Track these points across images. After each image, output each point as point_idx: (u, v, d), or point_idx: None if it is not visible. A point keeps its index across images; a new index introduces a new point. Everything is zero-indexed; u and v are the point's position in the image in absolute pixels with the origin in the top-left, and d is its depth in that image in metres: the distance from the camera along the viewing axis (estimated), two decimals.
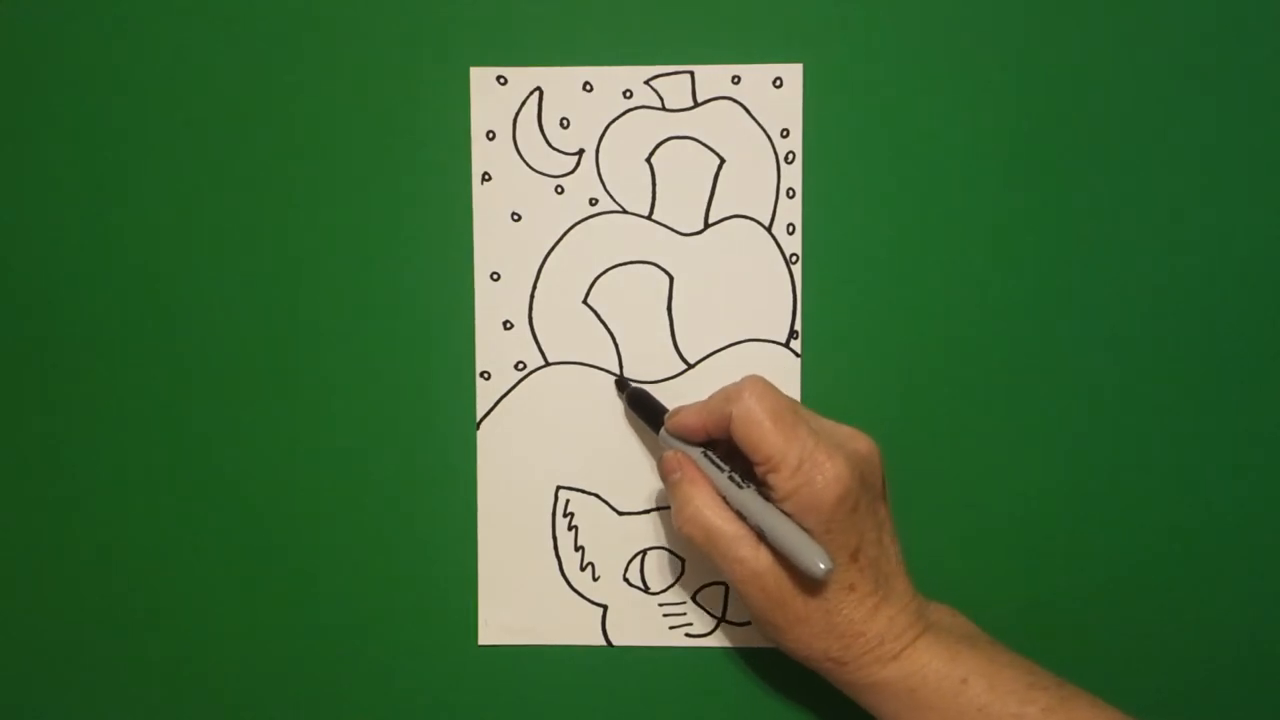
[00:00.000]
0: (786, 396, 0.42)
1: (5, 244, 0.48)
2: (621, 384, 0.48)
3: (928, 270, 0.48)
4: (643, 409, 0.47)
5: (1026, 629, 0.48)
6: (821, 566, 0.39)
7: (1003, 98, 0.47)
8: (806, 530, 0.40)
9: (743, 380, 0.42)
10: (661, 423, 0.45)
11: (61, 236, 0.48)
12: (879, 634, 0.41)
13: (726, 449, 0.43)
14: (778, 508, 0.41)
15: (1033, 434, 0.48)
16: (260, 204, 0.48)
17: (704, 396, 0.48)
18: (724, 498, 0.43)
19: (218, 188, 0.48)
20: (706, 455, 0.43)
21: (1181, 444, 0.48)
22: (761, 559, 0.41)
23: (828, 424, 0.43)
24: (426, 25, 0.47)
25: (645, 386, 0.48)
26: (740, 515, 0.42)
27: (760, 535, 0.41)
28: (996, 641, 0.43)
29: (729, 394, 0.42)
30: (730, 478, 0.42)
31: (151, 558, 0.49)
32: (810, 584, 0.41)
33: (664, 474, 0.45)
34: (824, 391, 0.48)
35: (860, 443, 0.43)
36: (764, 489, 0.42)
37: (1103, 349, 0.48)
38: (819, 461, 0.40)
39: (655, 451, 0.48)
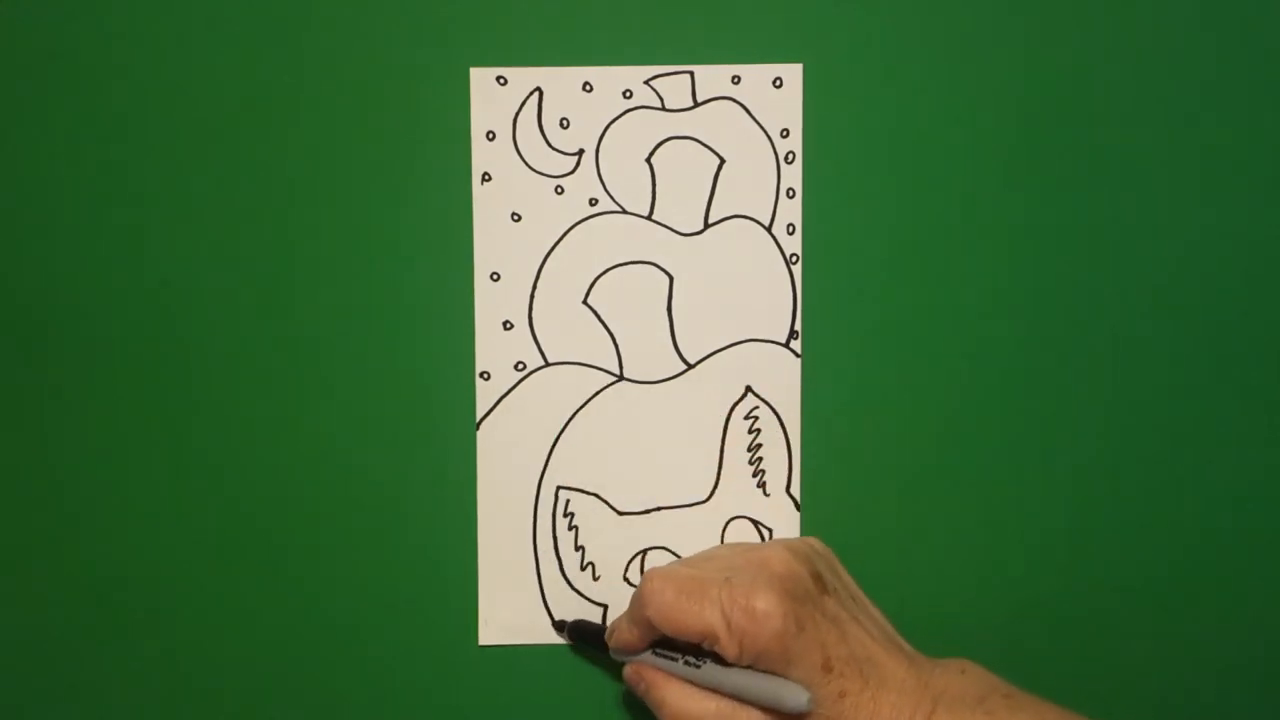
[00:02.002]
0: (684, 565, 0.44)
1: (4, 243, 0.48)
2: (559, 625, 0.48)
3: (928, 270, 0.48)
4: (587, 637, 0.48)
5: (1027, 632, 0.48)
6: (803, 700, 0.40)
7: (1003, 97, 0.47)
8: (774, 673, 0.41)
9: (642, 581, 0.43)
10: (605, 644, 0.46)
11: (61, 236, 0.48)
12: None
13: (670, 642, 0.44)
14: (738, 667, 0.42)
15: (1035, 432, 0.48)
16: (260, 204, 0.48)
17: (704, 396, 0.48)
18: (692, 682, 0.43)
19: (217, 188, 0.48)
20: (656, 654, 0.44)
21: (1186, 442, 0.48)
22: (754, 717, 0.42)
23: (739, 558, 0.44)
24: (426, 25, 0.47)
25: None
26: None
27: (738, 700, 0.42)
28: (1015, 694, 0.42)
29: (638, 601, 0.43)
30: (685, 663, 0.43)
31: (151, 558, 0.49)
32: (805, 716, 0.41)
33: (631, 688, 0.45)
34: (824, 391, 0.48)
35: (775, 563, 0.43)
36: (719, 659, 0.42)
37: (1106, 347, 0.48)
38: (742, 607, 0.41)
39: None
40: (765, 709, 0.42)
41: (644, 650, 0.45)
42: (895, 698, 0.41)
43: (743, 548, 0.46)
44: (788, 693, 0.41)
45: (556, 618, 0.49)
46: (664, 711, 0.43)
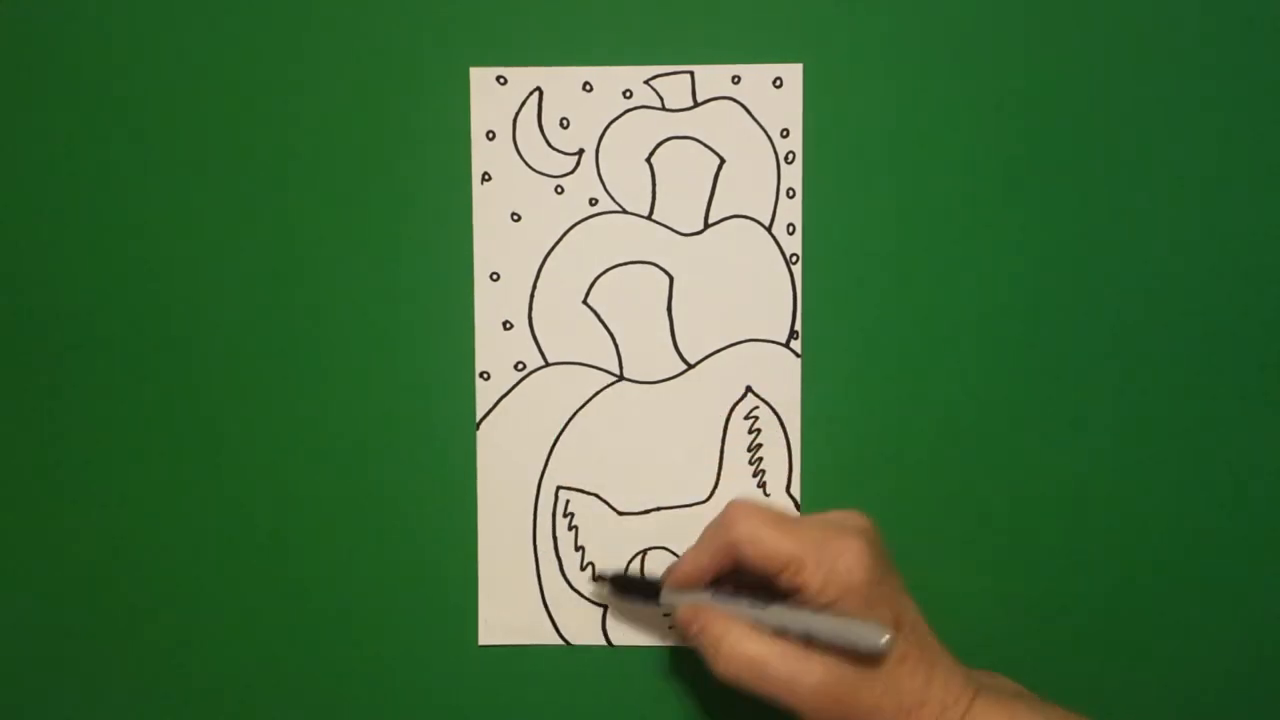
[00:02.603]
0: (772, 507, 0.43)
1: (6, 243, 0.48)
2: (600, 578, 0.48)
3: (928, 270, 0.48)
4: (633, 588, 0.46)
5: (1026, 630, 0.48)
6: (884, 639, 0.39)
7: (1003, 97, 0.47)
8: (849, 616, 0.40)
9: (728, 507, 0.43)
10: (656, 589, 0.45)
11: (62, 235, 0.48)
12: (940, 700, 0.40)
13: (732, 585, 0.43)
14: (810, 608, 0.41)
15: (1035, 432, 0.48)
16: (260, 204, 0.48)
17: (704, 396, 0.48)
18: (753, 626, 0.42)
19: (218, 188, 0.48)
20: (716, 596, 0.43)
21: (1188, 441, 0.48)
22: (815, 667, 0.40)
23: (817, 516, 0.44)
24: (426, 25, 0.47)
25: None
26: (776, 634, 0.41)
27: (806, 643, 0.41)
28: (1044, 700, 0.43)
29: (721, 524, 0.43)
30: (750, 604, 0.42)
31: (151, 558, 0.49)
32: (871, 672, 0.40)
33: (684, 630, 0.43)
34: (824, 391, 0.48)
35: (857, 519, 0.43)
36: (786, 599, 0.41)
37: (1104, 348, 0.48)
38: (835, 547, 0.41)
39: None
40: (833, 652, 0.40)
41: (703, 588, 0.43)
42: (945, 676, 0.41)
43: (823, 513, 0.44)
44: (869, 631, 0.39)
45: (598, 570, 0.48)
46: (721, 649, 0.41)
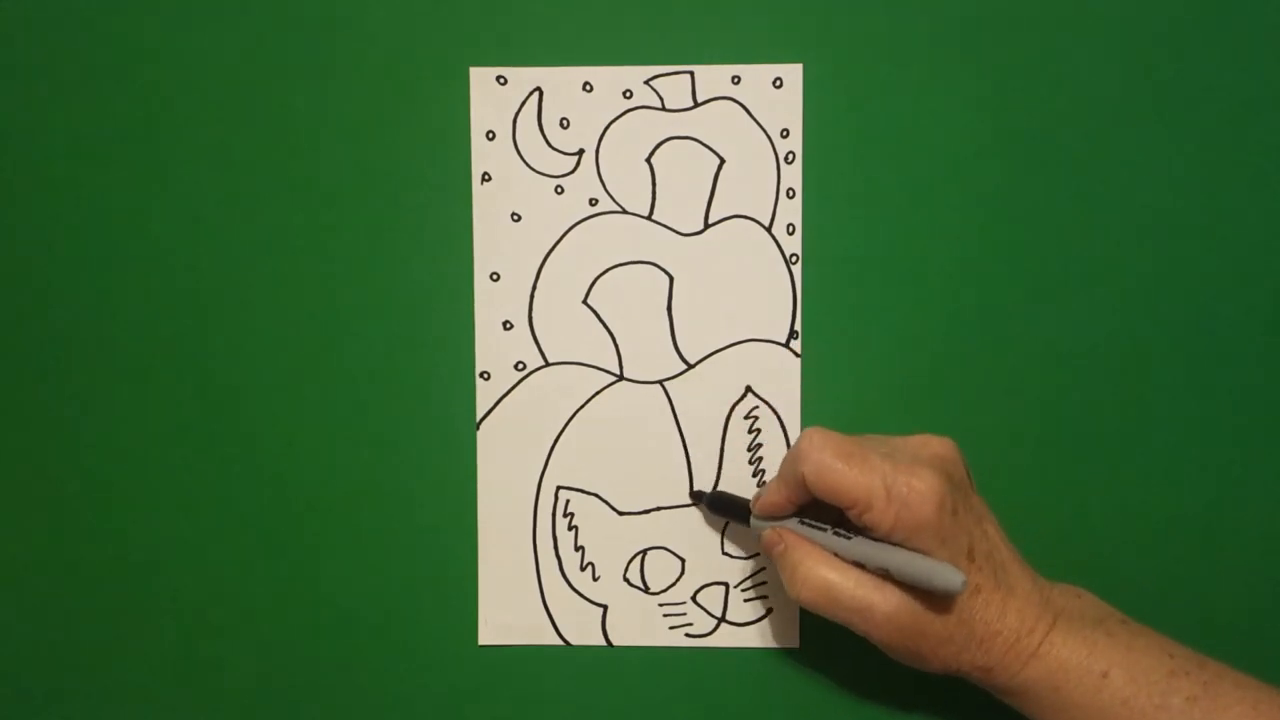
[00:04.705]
0: (847, 436, 0.42)
1: (12, 244, 0.48)
2: (697, 495, 0.48)
3: (927, 270, 0.48)
4: (726, 508, 0.47)
5: None
6: (958, 581, 0.39)
7: (1003, 98, 0.47)
8: (922, 553, 0.40)
9: (800, 438, 0.42)
10: (748, 512, 0.45)
11: (64, 237, 0.48)
12: (1013, 629, 0.41)
13: (817, 512, 0.43)
14: (888, 543, 0.41)
15: (1031, 433, 0.48)
16: (260, 205, 0.48)
17: (704, 396, 0.48)
18: (835, 555, 0.42)
19: (217, 189, 0.48)
20: (803, 522, 0.43)
21: (1191, 439, 0.48)
22: (890, 598, 0.41)
23: (895, 441, 0.43)
24: (426, 25, 0.47)
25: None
26: (854, 565, 0.42)
27: (883, 577, 0.41)
28: (1130, 621, 0.42)
29: (794, 457, 0.42)
30: (835, 533, 0.42)
31: (153, 557, 0.49)
32: (943, 604, 0.41)
33: (767, 550, 0.44)
34: (824, 391, 0.48)
35: (934, 446, 0.42)
36: (867, 533, 0.41)
37: (1102, 348, 0.48)
38: (904, 481, 0.40)
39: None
40: (908, 588, 0.41)
41: (788, 516, 0.44)
42: (1020, 605, 0.41)
43: (902, 437, 0.44)
44: (945, 572, 0.39)
45: (695, 487, 0.48)
46: (799, 574, 0.42)
